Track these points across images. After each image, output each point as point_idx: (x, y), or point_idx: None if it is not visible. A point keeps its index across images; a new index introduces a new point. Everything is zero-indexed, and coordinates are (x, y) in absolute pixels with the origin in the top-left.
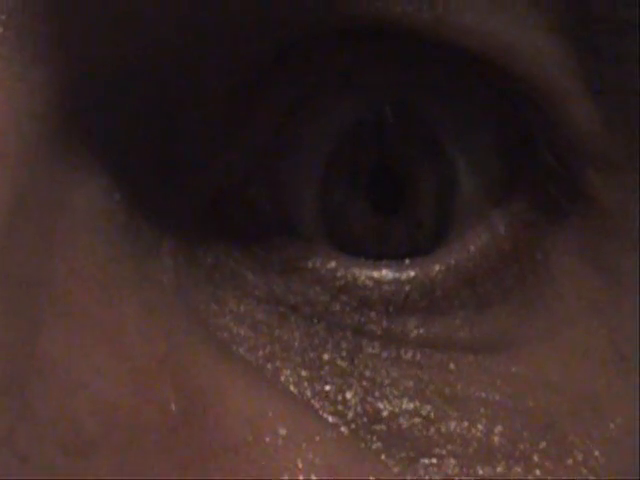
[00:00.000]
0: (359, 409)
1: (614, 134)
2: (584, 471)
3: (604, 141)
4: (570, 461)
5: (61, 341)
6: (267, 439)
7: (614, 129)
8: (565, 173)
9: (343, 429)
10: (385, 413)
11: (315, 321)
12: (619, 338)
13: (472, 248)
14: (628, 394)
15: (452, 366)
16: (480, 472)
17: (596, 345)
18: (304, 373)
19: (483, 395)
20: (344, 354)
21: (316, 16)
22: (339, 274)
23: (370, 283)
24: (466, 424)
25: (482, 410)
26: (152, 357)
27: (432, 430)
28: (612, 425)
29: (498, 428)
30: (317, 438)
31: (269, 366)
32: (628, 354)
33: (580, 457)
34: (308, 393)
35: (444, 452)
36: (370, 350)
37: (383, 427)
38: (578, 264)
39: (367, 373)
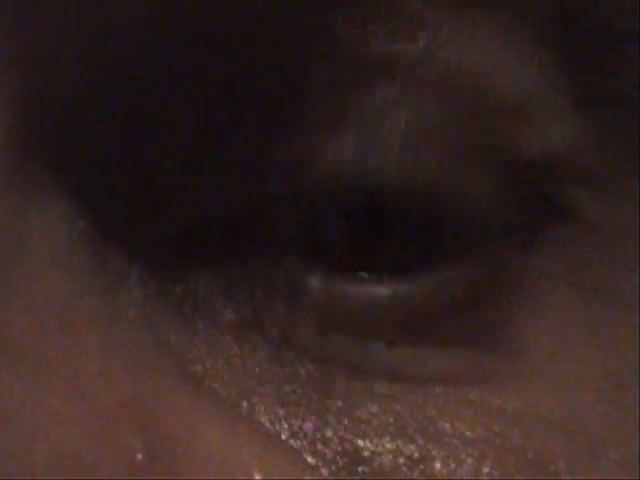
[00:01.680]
0: (339, 448)
1: (603, 150)
2: None
3: (591, 156)
4: None
5: (16, 389)
6: None
7: (604, 145)
8: (550, 194)
9: (324, 471)
10: (366, 453)
11: (290, 352)
12: (616, 365)
13: (453, 272)
14: (626, 426)
15: (435, 401)
16: None
17: (591, 375)
18: (281, 411)
19: (469, 432)
20: (320, 387)
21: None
22: (316, 298)
23: (351, 304)
24: (452, 465)
25: (469, 449)
26: (116, 401)
27: (417, 472)
28: (608, 462)
29: (486, 469)
30: None
31: (244, 403)
32: (626, 383)
33: None
34: (286, 432)
35: None
36: (347, 382)
37: (366, 468)
38: (568, 288)
39: (346, 409)
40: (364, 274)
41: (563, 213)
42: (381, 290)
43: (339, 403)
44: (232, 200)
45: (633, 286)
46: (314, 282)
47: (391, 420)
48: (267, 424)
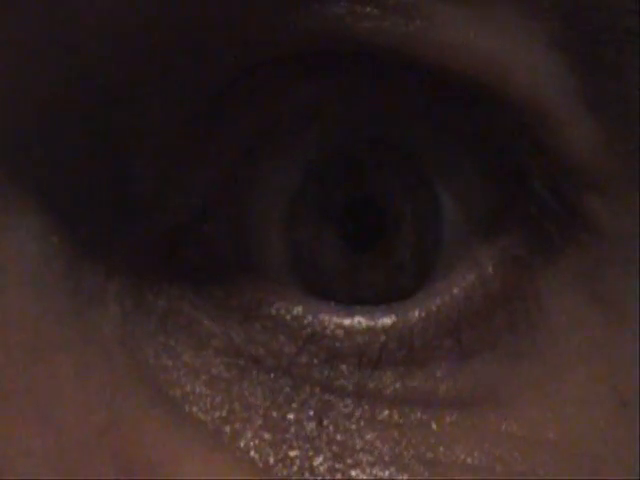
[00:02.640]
0: (328, 478)
1: (614, 154)
2: None
3: (605, 163)
4: None
5: None
6: None
7: (614, 148)
8: (561, 203)
9: None
10: None
11: (279, 375)
12: (621, 382)
13: (456, 291)
14: (630, 446)
15: (433, 426)
16: None
17: (596, 392)
18: (267, 436)
19: (469, 460)
20: (312, 414)
21: (275, 35)
22: (306, 322)
23: (341, 332)
24: None
25: (468, 477)
26: (90, 430)
27: None
28: None
29: None
30: None
31: (227, 429)
32: (630, 400)
33: None
34: (271, 460)
35: None
36: (341, 409)
37: None
38: (576, 301)
39: (338, 436)
40: (359, 307)
41: (579, 221)
42: (376, 319)
43: (332, 430)
44: (213, 214)
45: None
46: (311, 310)
47: (387, 448)
48: (252, 451)
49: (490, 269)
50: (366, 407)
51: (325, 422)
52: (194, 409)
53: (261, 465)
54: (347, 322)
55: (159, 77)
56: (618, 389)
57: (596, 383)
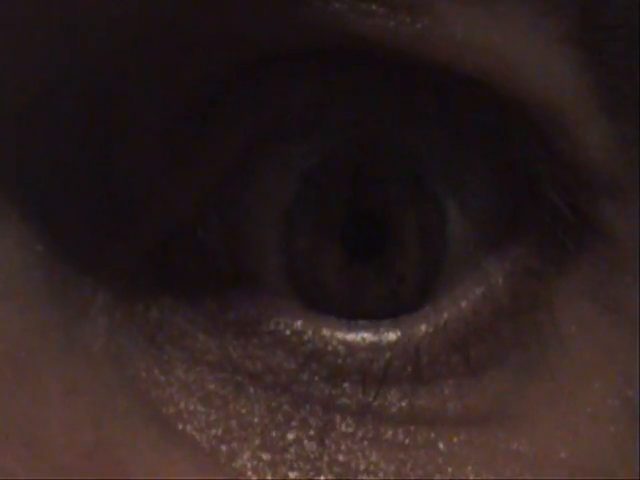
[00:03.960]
0: None
1: (628, 157)
2: None
3: (618, 167)
4: None
5: None
6: None
7: (627, 151)
8: (574, 209)
9: None
10: None
11: (278, 393)
12: (633, 394)
13: (464, 304)
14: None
15: (441, 445)
16: None
17: (611, 407)
18: (265, 457)
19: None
20: (312, 433)
21: (274, 32)
22: (306, 337)
23: (343, 348)
24: None
25: None
26: (76, 452)
27: None
28: None
29: None
30: None
31: (223, 448)
32: None
33: None
34: None
35: None
36: (343, 428)
37: None
38: (589, 311)
39: (340, 457)
40: (363, 321)
41: (592, 229)
42: (381, 334)
43: (334, 451)
44: (207, 219)
45: None
46: (311, 325)
47: (392, 469)
48: (249, 472)
49: (500, 281)
50: (370, 427)
51: (327, 442)
52: (188, 428)
53: None
54: (350, 338)
55: (151, 75)
56: (630, 401)
57: (610, 397)
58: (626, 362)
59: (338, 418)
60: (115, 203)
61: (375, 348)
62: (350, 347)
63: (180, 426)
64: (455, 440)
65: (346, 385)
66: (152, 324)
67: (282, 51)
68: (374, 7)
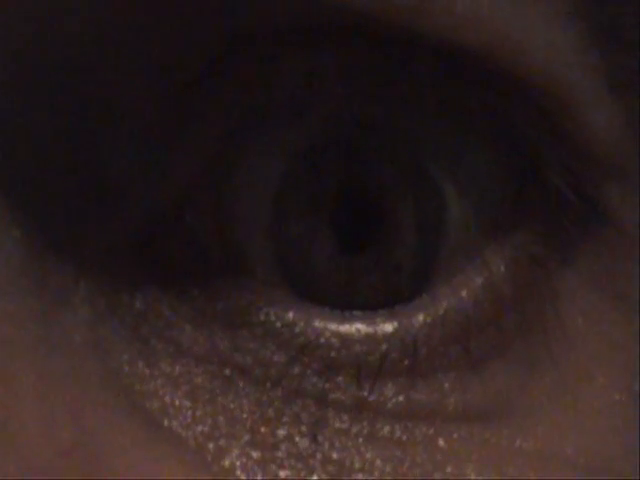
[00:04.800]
0: None
1: (635, 140)
2: None
3: (625, 150)
4: None
5: None
6: None
7: (635, 133)
8: (579, 195)
9: None
10: None
11: (269, 387)
12: (639, 388)
13: (463, 293)
14: None
15: (440, 442)
16: None
17: (617, 401)
18: (255, 454)
19: (480, 478)
20: (305, 430)
21: (265, 5)
22: (298, 329)
23: (337, 341)
24: None
25: None
26: (55, 450)
27: None
28: None
29: None
30: None
31: (211, 446)
32: None
33: None
34: None
35: None
36: (337, 424)
37: None
38: (594, 301)
39: (334, 454)
40: (357, 312)
41: (598, 215)
42: (376, 325)
43: (327, 448)
44: (194, 202)
45: None
46: (303, 316)
47: (389, 467)
48: (238, 471)
49: (502, 269)
50: (365, 422)
51: (319, 439)
52: (174, 423)
53: None
54: (343, 329)
55: (132, 56)
56: (637, 394)
57: (616, 391)
58: (632, 354)
59: (332, 414)
60: (98, 187)
61: (370, 340)
62: (344, 339)
63: (165, 422)
64: (455, 436)
65: (340, 379)
66: (136, 314)
67: (270, 26)
68: None
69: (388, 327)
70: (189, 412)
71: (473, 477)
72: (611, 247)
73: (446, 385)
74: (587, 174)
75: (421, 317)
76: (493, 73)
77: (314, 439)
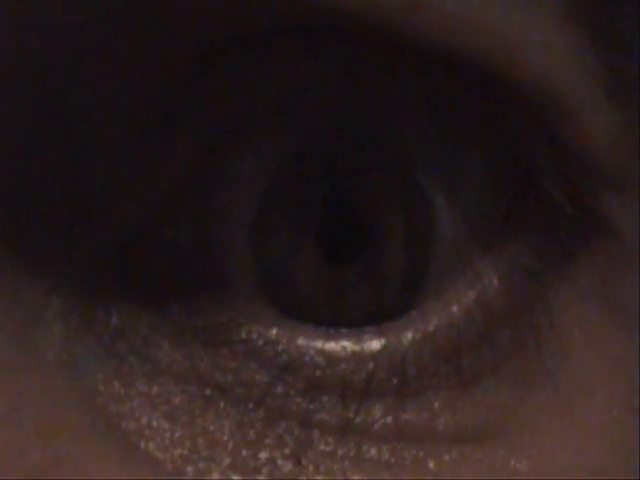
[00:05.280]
0: None
1: (634, 147)
2: None
3: (623, 158)
4: None
5: None
6: None
7: (633, 140)
8: (576, 204)
9: None
10: None
11: (250, 408)
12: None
13: (455, 309)
14: None
15: (431, 465)
16: None
17: (617, 418)
18: (236, 478)
19: None
20: (288, 452)
21: (248, 8)
22: (281, 347)
23: (322, 359)
24: None
25: None
26: (22, 475)
27: None
28: None
29: None
30: None
31: (190, 469)
32: None
33: None
34: None
35: None
36: (322, 447)
37: None
38: (591, 315)
39: (318, 478)
40: (343, 329)
41: (595, 225)
42: (363, 343)
43: (312, 471)
44: (173, 215)
45: None
46: (286, 334)
47: None
48: None
49: (495, 283)
50: (351, 444)
51: (304, 462)
52: (150, 446)
53: None
54: (329, 347)
55: (113, 60)
56: (638, 410)
57: (616, 407)
58: (632, 369)
59: (316, 435)
60: (74, 196)
61: (357, 358)
62: (329, 357)
63: (142, 444)
64: (446, 458)
65: (325, 399)
66: (112, 331)
67: (255, 30)
68: None
69: (375, 345)
70: (167, 434)
71: None
72: (609, 258)
73: (436, 405)
74: (584, 183)
75: (410, 334)
76: (486, 76)
77: (298, 462)
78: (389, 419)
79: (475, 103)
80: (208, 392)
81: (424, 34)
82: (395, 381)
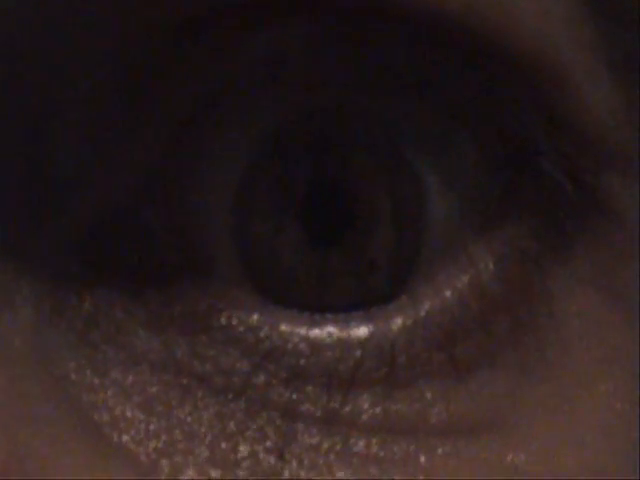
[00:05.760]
0: None
1: (636, 124)
2: None
3: (625, 135)
4: None
5: None
6: None
7: (635, 117)
8: (575, 184)
9: None
10: None
11: (230, 398)
12: None
13: (447, 294)
14: None
15: (422, 459)
16: None
17: (619, 411)
18: (214, 473)
19: None
20: (270, 445)
21: None
22: (263, 334)
23: (306, 347)
24: None
25: None
26: None
27: None
28: None
29: None
30: None
31: (165, 463)
32: None
33: None
34: None
35: None
36: (306, 439)
37: None
38: (592, 302)
39: (302, 473)
40: (329, 315)
41: (596, 207)
42: (350, 330)
43: (296, 466)
44: (150, 195)
45: None
46: (269, 320)
47: None
48: None
49: (490, 267)
50: (337, 437)
51: (287, 456)
52: (124, 438)
53: None
54: (313, 334)
55: (82, 30)
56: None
57: (618, 400)
58: (635, 359)
59: (300, 428)
60: (45, 176)
61: (343, 346)
62: (314, 345)
63: (115, 436)
64: (439, 452)
65: (309, 389)
66: (85, 318)
67: (234, 2)
68: None
69: (363, 331)
70: (142, 425)
71: None
72: (611, 242)
73: (428, 395)
74: (584, 161)
75: (400, 320)
76: (477, 48)
77: (280, 456)
78: (378, 410)
79: (467, 74)
80: (185, 381)
81: (412, 3)
82: (384, 370)
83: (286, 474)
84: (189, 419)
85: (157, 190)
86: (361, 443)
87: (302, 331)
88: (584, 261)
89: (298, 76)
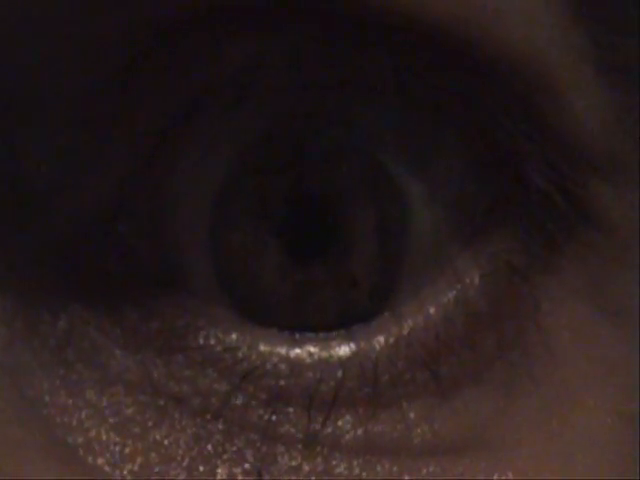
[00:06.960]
0: None
1: (626, 132)
2: None
3: (616, 144)
4: None
5: None
6: None
7: (625, 125)
8: (564, 195)
9: None
10: None
11: (208, 419)
12: (634, 411)
13: (432, 310)
14: None
15: (406, 478)
16: None
17: (609, 427)
18: None
19: None
20: (248, 467)
21: None
22: (242, 354)
23: (286, 367)
24: None
25: None
26: None
27: None
28: None
29: None
30: None
31: None
32: None
33: None
34: None
35: None
36: (287, 461)
37: None
38: (581, 315)
39: None
40: (309, 333)
41: (586, 217)
42: (331, 349)
43: None
44: (126, 210)
45: None
46: (247, 339)
47: None
48: None
49: (476, 281)
50: (319, 459)
51: (265, 478)
52: (99, 461)
53: None
54: (293, 354)
55: (60, 46)
56: (635, 421)
57: (608, 416)
58: (625, 373)
59: (280, 449)
60: (16, 189)
61: (324, 366)
62: (294, 365)
63: (90, 459)
64: (424, 473)
65: (290, 410)
66: (59, 336)
67: (211, 7)
68: None
69: (345, 350)
70: (117, 448)
71: None
72: (601, 253)
73: (412, 415)
74: (572, 171)
75: (382, 339)
76: (462, 54)
77: (259, 478)
78: (360, 431)
79: (452, 81)
80: (162, 402)
81: (394, 7)
82: (366, 390)
83: None
84: (166, 441)
85: (133, 206)
86: (343, 465)
87: (282, 351)
88: (573, 272)
89: (275, 86)
